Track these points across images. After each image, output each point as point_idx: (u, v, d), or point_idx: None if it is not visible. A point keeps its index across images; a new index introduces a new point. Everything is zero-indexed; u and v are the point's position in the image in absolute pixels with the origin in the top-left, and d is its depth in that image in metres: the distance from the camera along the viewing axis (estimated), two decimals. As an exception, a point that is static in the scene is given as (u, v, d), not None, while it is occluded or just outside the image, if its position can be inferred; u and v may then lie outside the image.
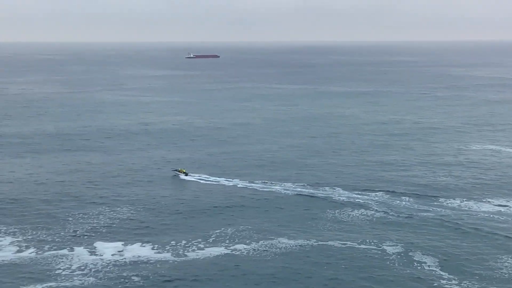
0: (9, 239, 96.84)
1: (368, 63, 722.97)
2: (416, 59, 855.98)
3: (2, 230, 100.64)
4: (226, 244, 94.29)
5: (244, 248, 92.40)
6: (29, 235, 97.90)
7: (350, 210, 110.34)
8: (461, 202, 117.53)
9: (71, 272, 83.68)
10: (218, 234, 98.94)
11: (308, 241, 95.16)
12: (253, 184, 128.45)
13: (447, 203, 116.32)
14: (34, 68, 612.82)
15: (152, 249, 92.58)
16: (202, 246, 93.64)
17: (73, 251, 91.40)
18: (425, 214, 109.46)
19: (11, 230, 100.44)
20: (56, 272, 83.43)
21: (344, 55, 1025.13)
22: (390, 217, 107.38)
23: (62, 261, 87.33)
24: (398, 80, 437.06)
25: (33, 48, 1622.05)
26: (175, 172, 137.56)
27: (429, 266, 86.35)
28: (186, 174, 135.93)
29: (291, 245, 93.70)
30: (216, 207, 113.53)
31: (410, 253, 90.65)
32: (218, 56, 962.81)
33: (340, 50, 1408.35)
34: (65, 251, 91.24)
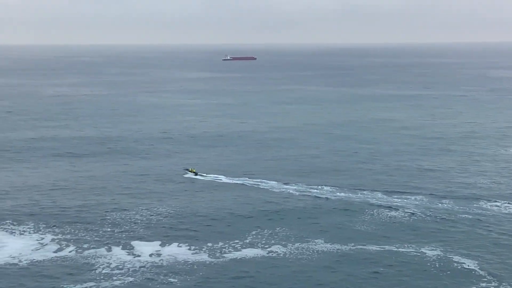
0: (49, 236, 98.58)
1: (406, 65, 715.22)
2: (455, 60, 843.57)
3: (42, 228, 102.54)
4: (263, 246, 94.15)
5: (281, 250, 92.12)
6: (68, 234, 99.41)
7: (388, 214, 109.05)
8: (501, 205, 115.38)
9: (110, 271, 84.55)
10: (254, 235, 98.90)
11: (345, 245, 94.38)
12: (289, 187, 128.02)
13: (487, 206, 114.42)
14: (73, 70, 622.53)
15: (189, 249, 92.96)
16: (238, 247, 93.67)
17: (111, 250, 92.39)
18: (464, 216, 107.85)
19: (50, 228, 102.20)
20: (96, 272, 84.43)
21: (382, 57, 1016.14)
22: (429, 220, 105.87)
23: (101, 260, 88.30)
24: (437, 82, 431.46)
25: (72, 50, 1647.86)
26: (186, 171, 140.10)
27: (468, 268, 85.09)
28: (196, 174, 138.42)
29: (328, 248, 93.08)
30: (253, 209, 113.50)
31: (449, 256, 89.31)
32: (255, 58, 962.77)
33: (378, 52, 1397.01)
34: (103, 250, 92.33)
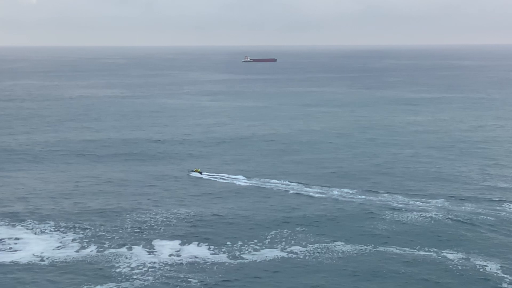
0: (71, 235, 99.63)
1: (429, 67, 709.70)
2: (479, 63, 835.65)
3: (63, 226, 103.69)
4: (282, 246, 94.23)
5: (300, 251, 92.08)
6: (89, 233, 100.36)
7: (409, 216, 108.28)
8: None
9: (130, 270, 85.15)
10: (273, 235, 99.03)
11: (365, 246, 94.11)
12: (310, 189, 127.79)
13: (509, 209, 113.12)
14: (95, 72, 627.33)
15: (208, 249, 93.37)
16: (258, 247, 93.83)
17: (131, 250, 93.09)
18: (485, 218, 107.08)
19: (71, 228, 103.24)
20: (116, 271, 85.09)
21: (404, 59, 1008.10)
22: (450, 223, 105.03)
23: (122, 260, 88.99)
24: (459, 84, 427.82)
25: (94, 52, 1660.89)
26: (191, 171, 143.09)
27: (490, 271, 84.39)
28: (201, 173, 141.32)
29: (348, 249, 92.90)
30: (272, 210, 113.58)
31: (471, 259, 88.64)
32: (275, 60, 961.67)
33: (400, 54, 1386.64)
34: (124, 250, 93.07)
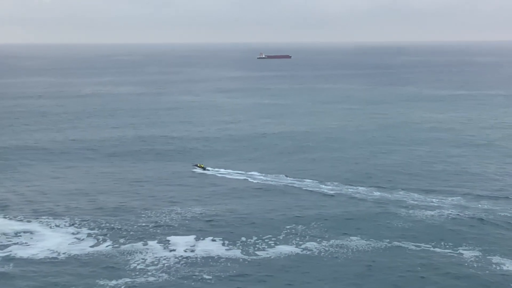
0: (85, 230, 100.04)
1: (446, 64, 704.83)
2: (497, 59, 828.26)
3: (77, 222, 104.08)
4: (297, 242, 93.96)
5: (315, 247, 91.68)
6: (104, 229, 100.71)
7: (424, 214, 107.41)
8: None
9: (145, 267, 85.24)
10: (288, 231, 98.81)
11: (381, 242, 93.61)
12: (325, 186, 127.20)
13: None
14: (111, 69, 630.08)
15: (223, 244, 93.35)
16: (272, 243, 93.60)
17: (147, 245, 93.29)
18: (503, 215, 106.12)
19: (86, 222, 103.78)
20: (131, 267, 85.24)
21: (420, 56, 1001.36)
22: (467, 220, 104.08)
23: (137, 256, 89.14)
24: (476, 81, 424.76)
25: (110, 49, 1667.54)
26: (195, 167, 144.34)
27: (508, 269, 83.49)
28: (204, 169, 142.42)
29: (363, 245, 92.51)
30: (287, 206, 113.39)
31: (488, 256, 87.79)
32: (290, 57, 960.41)
33: (415, 50, 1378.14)
34: (139, 245, 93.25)
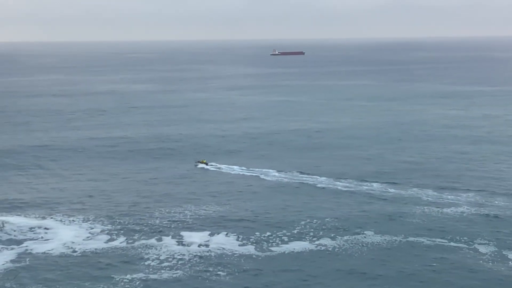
0: (99, 226, 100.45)
1: (462, 60, 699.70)
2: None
3: (91, 218, 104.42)
4: (311, 238, 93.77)
5: (329, 243, 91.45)
6: (118, 225, 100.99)
7: (439, 210, 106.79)
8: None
9: (159, 263, 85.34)
10: (302, 227, 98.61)
11: (395, 237, 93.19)
12: (339, 183, 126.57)
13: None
14: (124, 66, 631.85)
15: (237, 239, 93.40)
16: (286, 239, 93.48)
17: (161, 241, 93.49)
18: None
19: (100, 218, 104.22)
20: (145, 263, 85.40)
21: (435, 52, 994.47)
22: (482, 216, 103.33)
23: (151, 251, 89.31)
24: (492, 77, 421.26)
25: (123, 47, 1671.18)
26: (198, 163, 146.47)
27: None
28: (207, 164, 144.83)
29: (378, 240, 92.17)
30: (301, 202, 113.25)
31: (504, 252, 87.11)
32: (303, 53, 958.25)
33: (430, 46, 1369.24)
34: (153, 241, 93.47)
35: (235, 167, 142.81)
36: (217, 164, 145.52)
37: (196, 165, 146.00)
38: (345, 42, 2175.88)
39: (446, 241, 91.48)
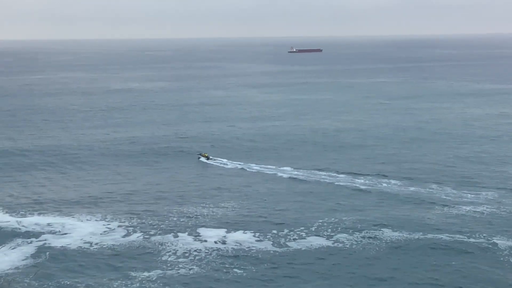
0: (116, 223, 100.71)
1: (482, 57, 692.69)
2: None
3: (109, 217, 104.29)
4: (328, 234, 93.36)
5: (347, 239, 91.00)
6: (135, 222, 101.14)
7: (458, 207, 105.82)
8: None
9: (176, 259, 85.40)
10: (320, 224, 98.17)
11: (413, 234, 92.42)
12: (357, 180, 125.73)
13: None
14: (140, 64, 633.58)
15: (254, 236, 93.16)
16: (303, 235, 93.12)
17: (177, 237, 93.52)
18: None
19: (117, 217, 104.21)
20: (162, 259, 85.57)
21: (454, 49, 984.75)
22: (502, 213, 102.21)
23: (168, 247, 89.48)
24: (509, 74, 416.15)
25: (142, 45, 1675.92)
26: (199, 155, 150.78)
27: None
28: (208, 158, 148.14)
29: (395, 237, 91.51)
30: (318, 199, 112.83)
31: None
32: (321, 50, 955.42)
33: (449, 43, 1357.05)
34: (170, 237, 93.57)
35: (252, 164, 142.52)
36: (218, 159, 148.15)
37: (198, 158, 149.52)
38: (362, 39, 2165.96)
39: (465, 238, 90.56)
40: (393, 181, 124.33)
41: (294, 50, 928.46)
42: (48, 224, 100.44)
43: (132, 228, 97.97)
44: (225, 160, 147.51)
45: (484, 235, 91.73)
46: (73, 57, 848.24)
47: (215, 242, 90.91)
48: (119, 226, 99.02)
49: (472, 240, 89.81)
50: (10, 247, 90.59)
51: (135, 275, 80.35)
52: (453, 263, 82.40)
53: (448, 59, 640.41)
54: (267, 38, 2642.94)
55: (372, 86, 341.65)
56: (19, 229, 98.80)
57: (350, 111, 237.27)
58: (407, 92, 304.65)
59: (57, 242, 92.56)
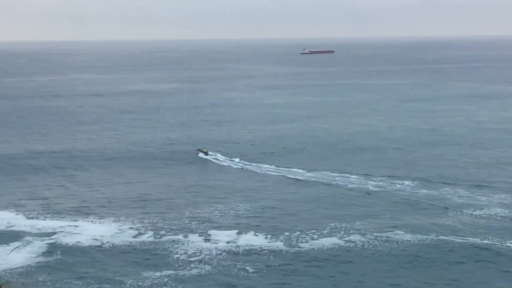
0: (128, 225, 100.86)
1: (499, 59, 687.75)
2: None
3: (122, 219, 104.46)
4: (341, 235, 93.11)
5: (359, 240, 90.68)
6: (147, 223, 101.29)
7: (471, 210, 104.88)
8: None
9: (187, 258, 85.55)
10: (332, 226, 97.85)
11: (426, 236, 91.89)
12: (370, 182, 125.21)
13: None
14: (153, 65, 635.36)
15: (265, 238, 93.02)
16: (316, 237, 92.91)
17: (188, 237, 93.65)
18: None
19: (130, 219, 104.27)
20: (173, 258, 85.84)
21: (470, 50, 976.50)
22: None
23: (179, 247, 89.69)
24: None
25: (153, 45, 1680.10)
26: (197, 151, 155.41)
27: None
28: (206, 154, 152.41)
29: (408, 238, 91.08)
30: (331, 201, 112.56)
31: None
32: (333, 52, 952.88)
33: (463, 45, 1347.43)
34: (180, 237, 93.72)
35: (264, 165, 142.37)
36: (217, 155, 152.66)
37: (197, 153, 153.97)
38: (375, 40, 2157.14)
39: (478, 240, 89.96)
40: (406, 182, 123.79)
41: (306, 51, 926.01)
42: (60, 226, 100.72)
43: (144, 229, 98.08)
44: (236, 160, 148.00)
45: (499, 238, 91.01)
46: (87, 58, 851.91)
47: (227, 243, 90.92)
48: (130, 228, 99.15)
49: (486, 241, 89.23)
50: (23, 245, 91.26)
51: (147, 274, 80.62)
52: (465, 264, 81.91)
53: (462, 61, 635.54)
54: (279, 39, 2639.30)
55: (385, 88, 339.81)
56: (31, 229, 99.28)
57: (362, 113, 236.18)
58: (421, 94, 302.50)
59: (69, 241, 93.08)
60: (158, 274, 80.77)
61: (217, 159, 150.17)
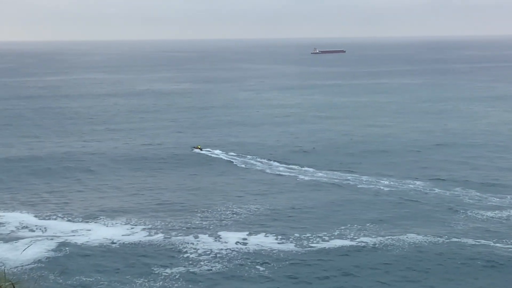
0: (139, 227, 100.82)
1: (507, 59, 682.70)
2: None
3: (133, 220, 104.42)
4: (352, 237, 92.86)
5: (370, 241, 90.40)
6: (157, 224, 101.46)
7: (483, 212, 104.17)
8: None
9: (198, 256, 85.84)
10: (344, 228, 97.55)
11: (438, 238, 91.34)
12: (381, 181, 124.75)
13: None
14: (165, 65, 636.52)
15: (276, 239, 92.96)
16: (326, 238, 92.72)
17: (198, 238, 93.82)
18: None
19: (141, 220, 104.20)
20: (184, 256, 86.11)
21: (485, 50, 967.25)
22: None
23: (189, 246, 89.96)
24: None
25: (166, 45, 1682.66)
26: (193, 148, 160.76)
27: None
28: (201, 150, 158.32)
29: (420, 240, 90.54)
30: (342, 202, 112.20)
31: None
32: (344, 51, 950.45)
33: (478, 45, 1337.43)
34: (191, 237, 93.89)
35: (274, 163, 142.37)
36: (211, 150, 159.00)
37: (192, 150, 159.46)
38: (386, 40, 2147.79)
39: (490, 242, 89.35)
40: (417, 183, 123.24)
41: (317, 51, 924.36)
42: (71, 226, 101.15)
43: (155, 230, 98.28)
44: (247, 158, 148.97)
45: (510, 241, 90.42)
46: (99, 58, 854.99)
47: (236, 243, 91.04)
48: (142, 229, 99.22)
49: (499, 244, 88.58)
50: (34, 244, 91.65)
51: (157, 272, 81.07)
52: (478, 263, 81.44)
53: (475, 61, 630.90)
54: (290, 39, 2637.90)
55: (397, 88, 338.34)
56: (43, 229, 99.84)
57: (374, 113, 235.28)
58: (433, 94, 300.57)
59: (80, 240, 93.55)
60: (168, 271, 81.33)
61: (221, 158, 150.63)
